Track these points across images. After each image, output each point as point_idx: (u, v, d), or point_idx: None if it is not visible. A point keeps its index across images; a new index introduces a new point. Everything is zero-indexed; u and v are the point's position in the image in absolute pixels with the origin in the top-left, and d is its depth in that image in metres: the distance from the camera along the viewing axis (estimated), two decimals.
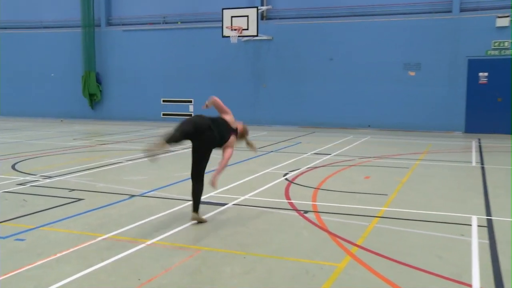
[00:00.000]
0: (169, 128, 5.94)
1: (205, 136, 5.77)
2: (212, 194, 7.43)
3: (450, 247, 5.19)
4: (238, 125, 6.24)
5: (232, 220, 6.15)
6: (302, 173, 9.46)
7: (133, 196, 7.42)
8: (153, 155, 5.40)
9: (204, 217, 6.09)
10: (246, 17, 18.96)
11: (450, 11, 17.94)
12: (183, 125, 5.73)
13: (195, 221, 5.93)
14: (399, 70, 18.65)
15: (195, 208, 5.95)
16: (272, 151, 12.63)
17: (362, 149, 13.28)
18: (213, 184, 5.88)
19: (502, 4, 17.31)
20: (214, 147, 5.94)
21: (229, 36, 19.07)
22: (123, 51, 22.79)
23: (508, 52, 17.24)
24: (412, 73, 18.51)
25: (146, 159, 5.65)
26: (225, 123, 6.04)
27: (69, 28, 23.55)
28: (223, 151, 6.04)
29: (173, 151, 11.89)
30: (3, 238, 5.37)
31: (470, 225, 6.00)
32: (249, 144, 6.44)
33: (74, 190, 7.76)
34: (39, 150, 12.40)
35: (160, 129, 17.98)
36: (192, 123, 5.77)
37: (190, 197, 6.10)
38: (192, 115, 6.27)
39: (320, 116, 19.72)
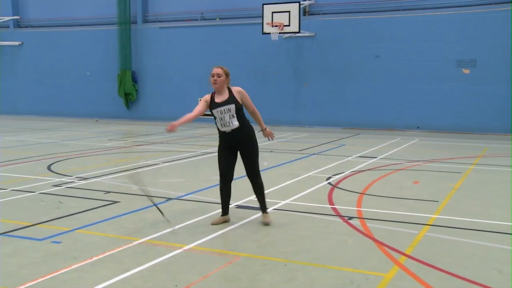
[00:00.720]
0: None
1: (243, 146, 6.12)
2: (251, 198, 7.45)
3: (510, 260, 5.02)
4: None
5: (272, 226, 6.14)
6: (346, 177, 9.38)
7: (169, 199, 7.53)
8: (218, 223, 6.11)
9: (242, 222, 6.15)
10: (287, 13, 18.91)
11: (509, 2, 17.34)
12: (223, 165, 6.19)
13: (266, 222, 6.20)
14: (452, 67, 18.19)
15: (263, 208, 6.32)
16: (314, 154, 12.56)
17: (410, 152, 13.06)
18: (268, 133, 6.32)
19: None
20: (250, 138, 6.15)
21: (269, 33, 19.07)
22: (160, 49, 23.15)
23: None
24: (466, 71, 18.04)
25: None
26: (225, 111, 6.05)
27: (104, 25, 24.12)
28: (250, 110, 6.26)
29: (210, 153, 12.00)
30: (40, 240, 5.55)
31: None
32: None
33: (109, 192, 7.94)
34: (74, 151, 12.75)
35: (197, 130, 18.19)
36: (226, 159, 6.16)
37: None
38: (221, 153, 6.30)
39: (366, 117, 19.48)
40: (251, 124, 6.25)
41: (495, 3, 17.61)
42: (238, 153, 6.21)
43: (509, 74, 17.43)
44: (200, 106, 6.22)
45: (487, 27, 17.61)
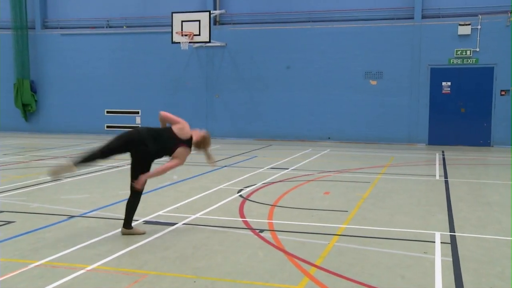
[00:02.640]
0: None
1: (139, 150, 6.05)
2: (160, 213, 7.35)
3: (413, 266, 5.32)
4: (194, 134, 6.32)
5: (182, 241, 6.08)
6: (257, 189, 9.49)
7: (72, 217, 7.24)
8: (58, 177, 5.65)
9: (151, 238, 6.04)
10: (198, 22, 18.96)
11: (412, 18, 18.53)
12: (112, 142, 6.09)
13: (129, 235, 6.18)
14: (360, 79, 19.07)
15: (127, 223, 6.22)
16: (225, 166, 12.62)
17: (321, 163, 13.46)
18: (136, 184, 6.06)
19: (464, 12, 18.07)
20: (151, 160, 6.17)
21: (179, 42, 19.00)
22: (62, 57, 22.28)
23: (470, 61, 17.95)
24: (373, 82, 18.97)
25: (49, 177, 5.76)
26: (170, 134, 6.18)
27: None
28: (169, 161, 6.24)
29: (117, 166, 11.69)
30: None
31: (434, 242, 6.18)
32: (207, 155, 6.54)
33: (3, 212, 7.50)
34: None
35: (102, 142, 17.62)
36: (123, 140, 6.10)
37: (136, 216, 6.03)
38: (137, 128, 6.32)
39: (277, 128, 19.90)
40: None
41: (398, 18, 18.74)
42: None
43: (412, 85, 18.56)
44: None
45: (391, 41, 18.68)
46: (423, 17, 18.43)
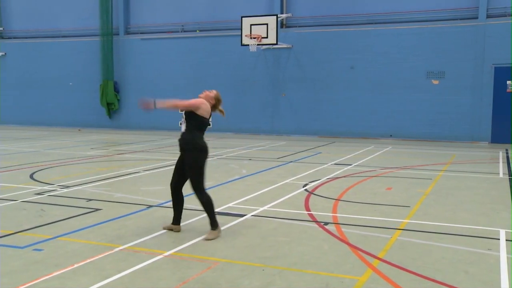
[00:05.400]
0: None
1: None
2: (230, 205, 7.44)
3: (477, 262, 5.10)
4: (206, 97, 6.08)
5: (251, 232, 6.14)
6: (322, 184, 9.43)
7: (150, 206, 7.47)
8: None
9: (222, 228, 6.11)
10: (265, 25, 19.03)
11: (476, 17, 17.76)
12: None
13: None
14: (422, 78, 18.52)
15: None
16: (291, 162, 12.61)
17: (383, 159, 13.19)
18: (145, 103, 5.73)
19: None
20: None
21: (248, 45, 19.16)
22: (141, 60, 23.06)
23: None
24: (435, 82, 18.36)
25: None
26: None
27: (87, 37, 23.94)
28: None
29: None
30: (21, 248, 5.45)
31: (498, 239, 5.90)
32: (220, 111, 6.36)
33: (91, 200, 7.85)
34: (56, 160, 12.58)
35: (177, 138, 18.09)
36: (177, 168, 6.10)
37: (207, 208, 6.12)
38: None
39: (341, 126, 19.66)
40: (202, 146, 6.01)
41: (461, 19, 18.01)
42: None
43: (475, 85, 17.80)
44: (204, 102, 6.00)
45: (454, 41, 17.99)
46: (488, 16, 17.61)
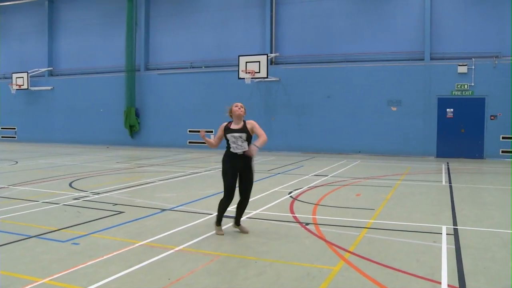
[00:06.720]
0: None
1: (246, 170, 5.91)
2: (229, 209, 7.46)
3: (426, 252, 5.16)
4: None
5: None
6: (304, 191, 9.45)
7: (164, 210, 7.48)
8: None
9: (223, 227, 6.13)
10: (258, 62, 19.21)
11: (423, 59, 18.15)
12: (230, 183, 5.86)
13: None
14: (384, 106, 18.71)
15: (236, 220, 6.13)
16: (279, 173, 12.64)
17: (354, 171, 13.24)
18: (251, 149, 5.66)
19: (462, 55, 17.63)
20: (251, 165, 5.94)
21: (244, 78, 19.31)
22: (158, 91, 23.16)
23: (467, 93, 17.48)
24: (394, 108, 18.57)
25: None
26: (238, 137, 5.88)
27: (115, 73, 24.02)
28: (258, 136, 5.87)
29: (197, 173, 11.96)
30: (63, 241, 5.47)
31: (441, 233, 5.98)
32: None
33: (117, 204, 7.85)
34: (90, 171, 12.57)
35: (186, 154, 18.13)
36: (233, 178, 5.88)
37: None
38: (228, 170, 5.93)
39: (320, 144, 19.74)
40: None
41: (413, 59, 18.41)
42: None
43: (424, 111, 18.09)
44: (218, 132, 6.06)
45: (408, 77, 18.31)
46: (431, 58, 18.01)
